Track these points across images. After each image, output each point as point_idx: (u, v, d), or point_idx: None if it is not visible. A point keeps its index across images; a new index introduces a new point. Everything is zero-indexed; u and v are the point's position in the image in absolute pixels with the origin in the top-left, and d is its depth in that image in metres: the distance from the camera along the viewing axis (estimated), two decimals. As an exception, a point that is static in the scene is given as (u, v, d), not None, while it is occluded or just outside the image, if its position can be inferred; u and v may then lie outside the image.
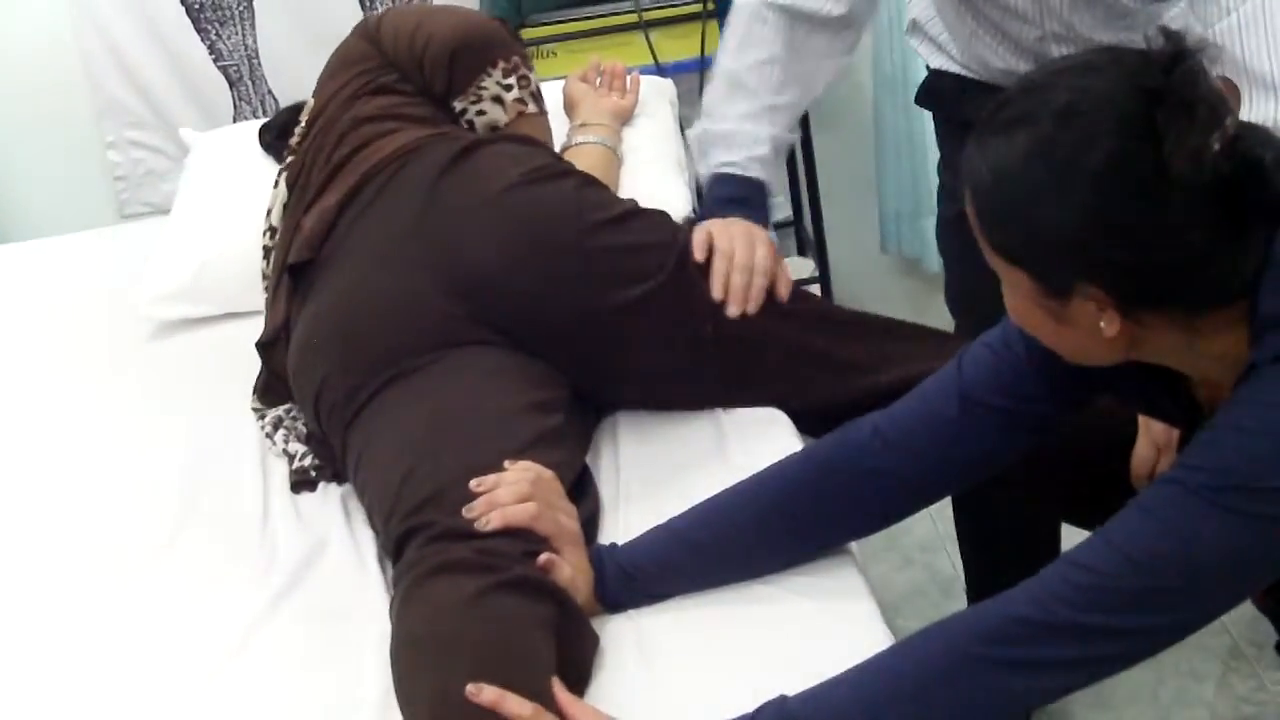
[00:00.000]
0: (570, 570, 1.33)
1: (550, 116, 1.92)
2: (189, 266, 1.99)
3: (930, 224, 2.61)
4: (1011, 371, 1.27)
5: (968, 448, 1.30)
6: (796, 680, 1.16)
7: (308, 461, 1.65)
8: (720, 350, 1.57)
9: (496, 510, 1.34)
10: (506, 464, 1.39)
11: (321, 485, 1.63)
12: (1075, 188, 1.04)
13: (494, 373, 1.53)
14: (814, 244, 2.81)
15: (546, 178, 1.63)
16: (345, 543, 1.52)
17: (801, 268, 2.70)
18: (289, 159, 1.84)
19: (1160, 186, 1.02)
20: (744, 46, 1.74)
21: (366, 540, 1.51)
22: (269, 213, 1.82)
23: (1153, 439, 1.40)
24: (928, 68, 1.89)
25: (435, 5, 2.00)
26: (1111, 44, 1.11)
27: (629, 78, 2.13)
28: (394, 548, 1.40)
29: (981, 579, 2.09)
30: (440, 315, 1.56)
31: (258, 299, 1.84)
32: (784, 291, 1.60)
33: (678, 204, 1.84)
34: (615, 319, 1.56)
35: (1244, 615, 1.25)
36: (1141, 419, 1.41)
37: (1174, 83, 1.03)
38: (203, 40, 2.66)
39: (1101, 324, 1.09)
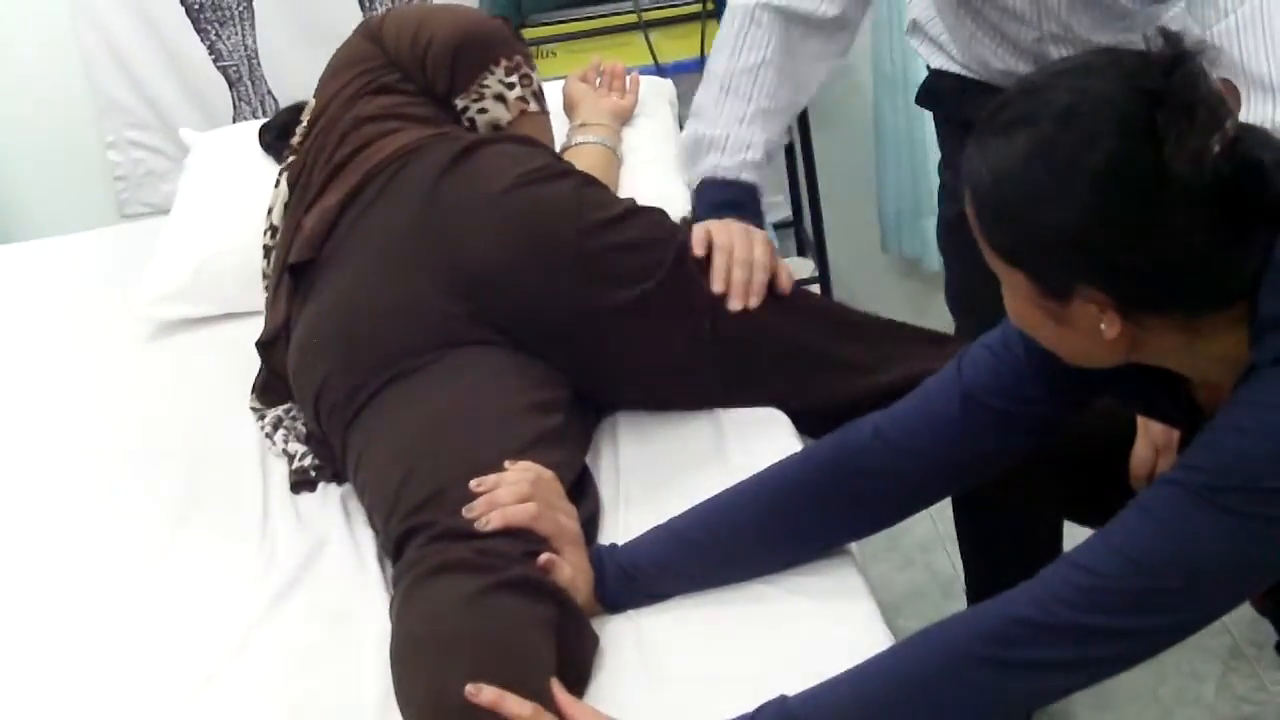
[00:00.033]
0: (570, 570, 1.34)
1: (550, 116, 1.92)
2: (188, 266, 1.99)
3: (930, 224, 2.61)
4: (1011, 373, 1.27)
5: (968, 448, 1.30)
6: (796, 680, 1.17)
7: (307, 461, 1.65)
8: (720, 349, 1.57)
9: (497, 510, 1.34)
10: (507, 464, 1.39)
11: (321, 485, 1.63)
12: (1075, 189, 1.04)
13: (494, 373, 1.53)
14: (814, 244, 2.81)
15: (546, 178, 1.63)
16: (345, 543, 1.52)
17: (801, 268, 2.70)
18: (290, 158, 1.84)
19: (1160, 188, 1.02)
20: (737, 49, 1.74)
21: (366, 540, 1.51)
22: (270, 212, 1.82)
23: (1151, 439, 1.40)
24: (928, 68, 1.89)
25: (437, 4, 2.00)
26: (1110, 45, 1.11)
27: (629, 78, 2.12)
28: (394, 547, 1.40)
29: (981, 579, 2.09)
30: (441, 315, 1.56)
31: (257, 299, 1.84)
32: (786, 285, 1.60)
33: (677, 204, 1.83)
34: (615, 318, 1.56)
35: (1244, 615, 1.25)
36: (1140, 420, 1.41)
37: (1174, 84, 1.03)
38: (202, 40, 2.66)
39: (1102, 326, 1.09)
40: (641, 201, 1.68)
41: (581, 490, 1.49)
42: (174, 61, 2.67)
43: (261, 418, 1.73)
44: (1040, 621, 1.08)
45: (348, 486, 1.60)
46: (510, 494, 1.35)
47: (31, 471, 1.76)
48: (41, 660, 1.43)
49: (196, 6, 2.64)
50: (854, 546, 1.41)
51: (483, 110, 1.82)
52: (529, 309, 1.56)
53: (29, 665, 1.43)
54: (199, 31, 2.66)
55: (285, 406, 1.72)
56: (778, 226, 2.85)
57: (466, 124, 1.83)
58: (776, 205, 2.85)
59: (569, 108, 2.05)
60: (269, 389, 1.74)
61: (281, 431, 1.69)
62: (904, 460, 1.31)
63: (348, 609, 1.42)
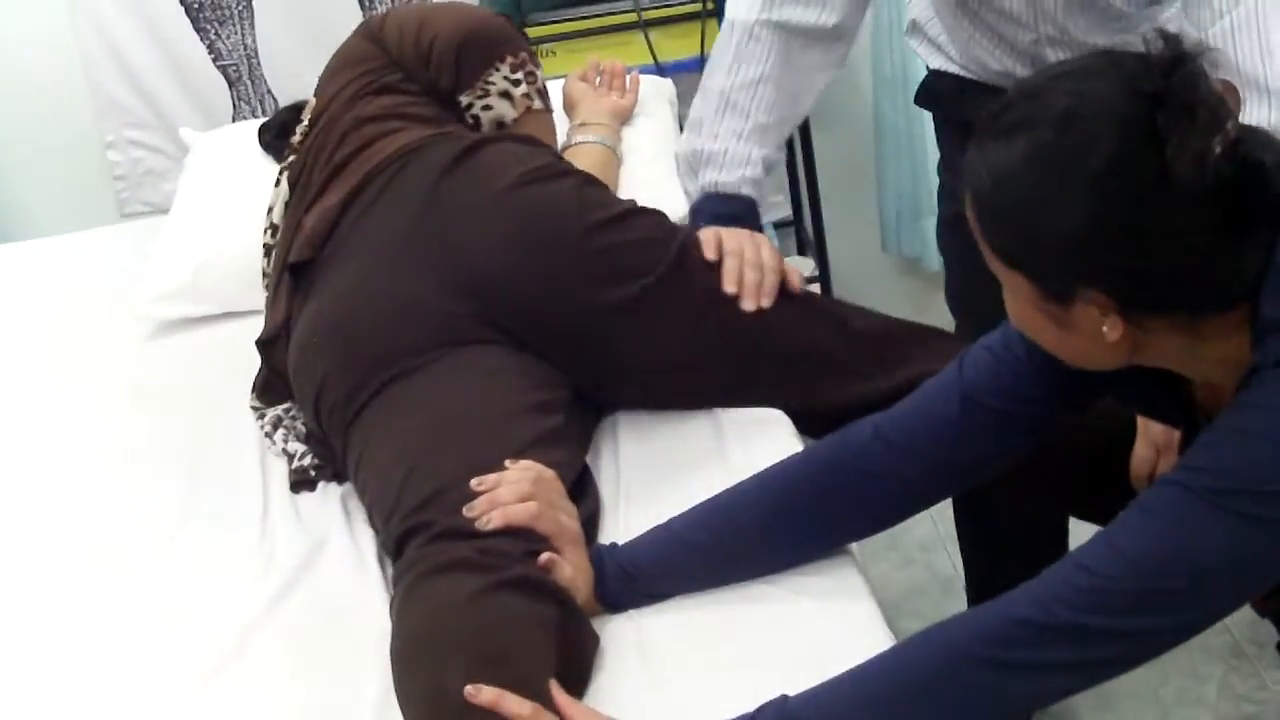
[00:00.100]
0: (571, 570, 1.34)
1: (553, 115, 1.92)
2: (188, 266, 1.99)
3: (930, 224, 2.61)
4: (1012, 374, 1.27)
5: (968, 449, 1.30)
6: (796, 680, 1.16)
7: (307, 461, 1.65)
8: (724, 349, 1.57)
9: (497, 509, 1.34)
10: (507, 463, 1.39)
11: (321, 485, 1.63)
12: (1076, 192, 1.04)
13: (495, 373, 1.53)
14: (814, 243, 2.81)
15: (547, 177, 1.63)
16: (345, 542, 1.52)
17: (801, 267, 2.69)
18: (290, 158, 1.84)
19: (1162, 190, 1.02)
20: (735, 65, 1.75)
21: (366, 540, 1.51)
22: (270, 211, 1.82)
23: (1152, 440, 1.40)
24: (927, 68, 1.89)
25: (438, 3, 2.00)
26: (1109, 47, 1.11)
27: (628, 77, 2.12)
28: (394, 547, 1.40)
29: (982, 579, 2.09)
30: (443, 314, 1.56)
31: (257, 298, 1.84)
32: (797, 285, 1.61)
33: (677, 203, 1.84)
34: (616, 314, 1.56)
35: (1245, 615, 1.25)
36: (1141, 420, 1.41)
37: (1174, 86, 1.03)
38: (202, 40, 2.66)
39: (1104, 328, 1.08)
40: (641, 200, 1.68)
41: (582, 490, 1.49)
42: (173, 61, 2.67)
43: (261, 417, 1.73)
44: (1041, 622, 1.08)
45: (348, 486, 1.60)
46: (511, 493, 1.35)
47: (32, 471, 1.76)
48: (41, 659, 1.43)
49: (196, 6, 2.63)
50: (854, 546, 1.41)
51: (487, 107, 1.82)
52: (531, 308, 1.56)
53: (29, 664, 1.43)
54: (198, 31, 2.65)
55: (285, 406, 1.72)
56: (778, 226, 2.85)
57: (470, 121, 1.83)
58: (776, 205, 2.85)
59: (569, 107, 2.05)
60: (269, 388, 1.74)
61: (281, 431, 1.69)
62: (904, 461, 1.31)
63: (348, 609, 1.42)
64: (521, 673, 1.20)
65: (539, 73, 1.87)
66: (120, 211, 2.77)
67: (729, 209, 1.72)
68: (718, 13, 2.48)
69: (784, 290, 1.60)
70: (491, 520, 1.33)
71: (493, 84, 1.82)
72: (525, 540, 1.33)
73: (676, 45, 2.53)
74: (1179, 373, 1.18)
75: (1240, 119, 1.05)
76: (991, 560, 2.02)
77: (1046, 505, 1.72)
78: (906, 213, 2.91)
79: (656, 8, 2.56)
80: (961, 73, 1.81)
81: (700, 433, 1.57)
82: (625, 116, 2.06)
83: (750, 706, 1.16)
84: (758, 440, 1.52)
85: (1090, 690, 1.14)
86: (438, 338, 1.55)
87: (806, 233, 2.87)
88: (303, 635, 1.40)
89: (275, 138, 2.03)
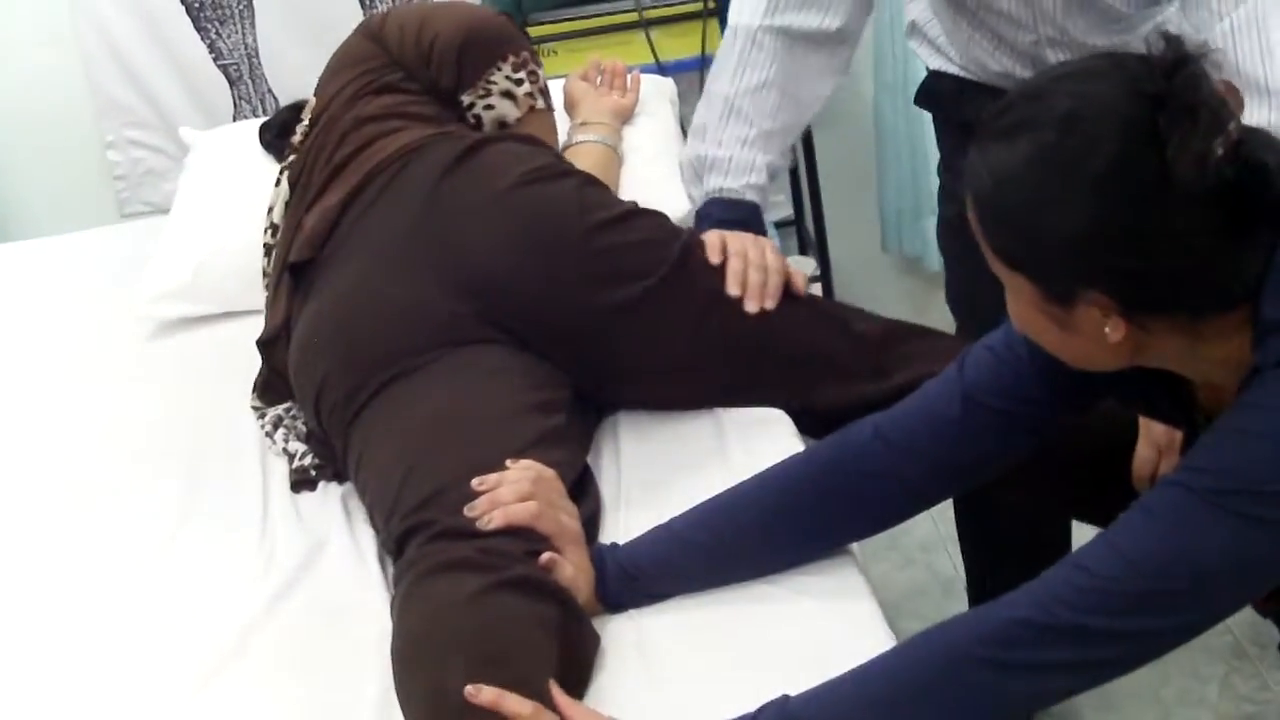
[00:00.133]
0: (572, 570, 1.33)
1: (555, 114, 1.92)
2: (188, 265, 1.99)
3: (931, 223, 2.61)
4: (1013, 374, 1.27)
5: (969, 449, 1.30)
6: (797, 680, 1.16)
7: (308, 461, 1.64)
8: (723, 350, 1.57)
9: (498, 509, 1.34)
10: (508, 463, 1.39)
11: (321, 484, 1.63)
12: (1078, 193, 1.04)
13: (496, 372, 1.53)
14: (815, 243, 2.81)
15: (549, 177, 1.62)
16: (345, 542, 1.51)
17: (802, 266, 2.69)
18: (291, 157, 1.83)
19: (1164, 191, 1.02)
20: (739, 71, 1.75)
21: (366, 539, 1.51)
22: (270, 211, 1.82)
23: (1153, 440, 1.40)
24: (927, 69, 1.89)
25: (439, 2, 2.00)
26: (1109, 49, 1.11)
27: (629, 76, 2.12)
28: (395, 546, 1.40)
29: (982, 580, 2.08)
30: (443, 314, 1.56)
31: (257, 298, 1.84)
32: (801, 287, 1.60)
33: (679, 203, 1.83)
34: (617, 315, 1.56)
35: (1247, 615, 1.24)
36: (1142, 420, 1.41)
37: (1176, 87, 1.03)
38: (202, 39, 2.66)
39: (1106, 330, 1.08)
40: (642, 199, 1.68)
41: (582, 489, 1.48)
42: (174, 60, 2.67)
43: (262, 416, 1.73)
44: (1041, 623, 1.08)
45: (348, 486, 1.60)
46: (512, 492, 1.35)
47: (31, 471, 1.76)
48: (41, 660, 1.43)
49: (196, 5, 2.63)
50: (855, 546, 1.41)
51: (489, 107, 1.82)
52: (532, 308, 1.56)
53: (29, 664, 1.43)
54: (199, 30, 2.65)
55: (285, 405, 1.72)
56: (779, 225, 2.85)
57: (472, 121, 1.83)
58: (777, 204, 2.85)
59: (570, 106, 2.04)
60: (269, 388, 1.74)
61: (281, 430, 1.69)
62: (904, 461, 1.31)
63: (348, 608, 1.42)
64: (522, 673, 1.20)
65: (540, 72, 1.87)
66: (120, 211, 2.78)
67: (733, 214, 1.72)
68: (719, 12, 2.48)
69: (786, 292, 1.60)
70: (492, 520, 1.33)
71: (494, 83, 1.82)
72: (526, 540, 1.32)
73: (678, 44, 2.54)
74: (1180, 373, 1.17)
75: (1240, 120, 1.05)
76: (992, 561, 2.02)
77: (1047, 506, 1.72)
78: (907, 212, 2.91)
79: (657, 7, 2.56)
80: (961, 73, 1.81)
81: (701, 433, 1.57)
82: (626, 116, 2.06)
83: (751, 706, 1.16)
84: (759, 440, 1.52)
85: (1091, 690, 1.14)
86: (438, 337, 1.54)
87: (807, 232, 2.87)
88: (303, 635, 1.40)
89: (276, 137, 2.03)
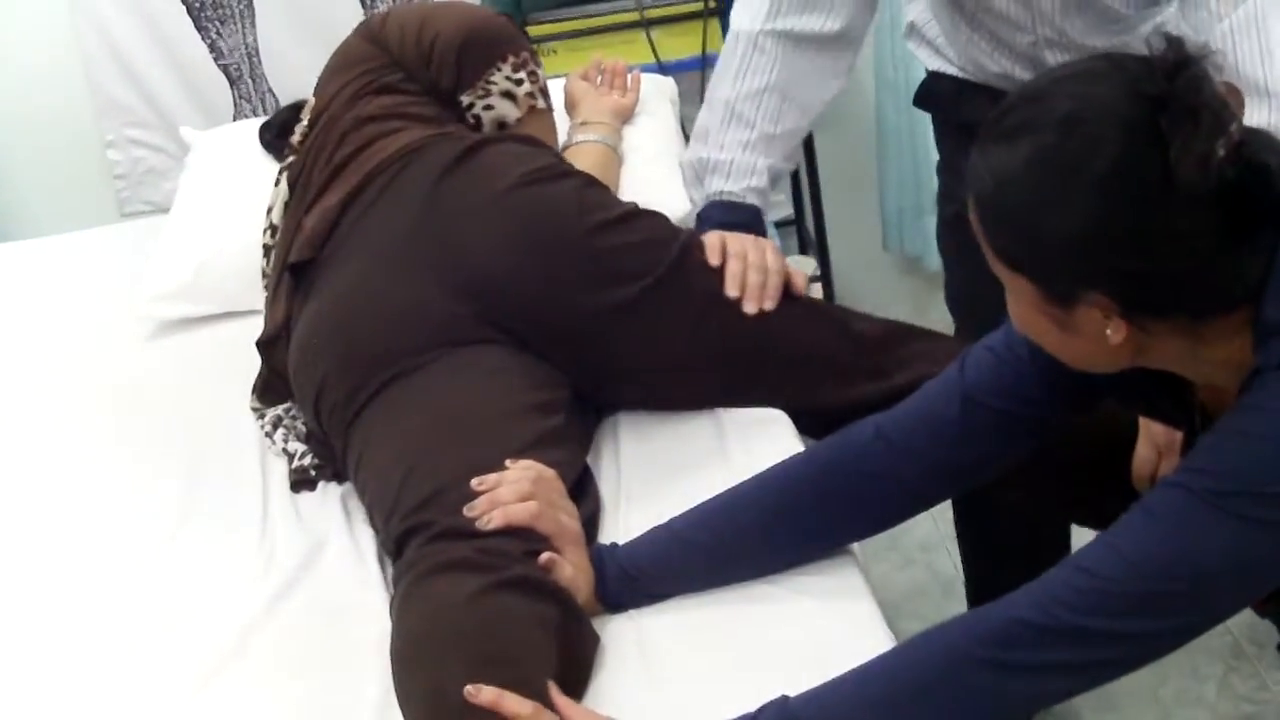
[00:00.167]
0: (571, 570, 1.33)
1: (554, 114, 1.92)
2: (189, 265, 1.99)
3: (932, 222, 2.60)
4: (1013, 374, 1.27)
5: (969, 450, 1.30)
6: (797, 680, 1.16)
7: (307, 461, 1.64)
8: (722, 350, 1.57)
9: (498, 509, 1.34)
10: (508, 463, 1.39)
11: (321, 485, 1.63)
12: (1080, 195, 1.04)
13: (495, 373, 1.53)
14: (815, 242, 2.81)
15: (549, 178, 1.62)
16: (345, 542, 1.52)
17: (803, 266, 2.69)
18: (290, 158, 1.83)
19: (1165, 193, 1.02)
20: (740, 75, 1.74)
21: (366, 540, 1.51)
22: (270, 211, 1.82)
23: (1153, 440, 1.40)
24: (926, 70, 1.89)
25: (439, 2, 2.00)
26: (1107, 50, 1.10)
27: (630, 76, 2.12)
28: (394, 547, 1.40)
29: (982, 581, 2.08)
30: (443, 315, 1.56)
31: (257, 298, 1.84)
32: (800, 287, 1.60)
33: (679, 203, 1.83)
34: (616, 315, 1.56)
35: (1246, 615, 1.24)
36: (1141, 420, 1.41)
37: (1178, 89, 1.02)
38: (203, 39, 2.66)
39: (1107, 331, 1.08)
40: (642, 199, 1.68)
41: (582, 489, 1.48)
42: (174, 60, 2.67)
43: (261, 417, 1.73)
44: (1041, 624, 1.08)
45: (348, 486, 1.60)
46: (511, 492, 1.35)
47: (31, 471, 1.76)
48: (41, 659, 1.43)
49: (197, 4, 2.63)
50: (855, 546, 1.41)
51: (489, 107, 1.82)
52: (531, 309, 1.56)
53: (29, 664, 1.43)
54: (199, 29, 2.65)
55: (285, 406, 1.72)
56: (779, 225, 2.85)
57: (471, 121, 1.83)
58: (778, 204, 2.85)
59: (570, 106, 2.04)
60: (269, 389, 1.74)
61: (281, 430, 1.69)
62: (905, 462, 1.31)
63: (348, 609, 1.42)
64: (521, 673, 1.20)
65: (540, 72, 1.87)
66: (120, 211, 2.77)
67: (734, 217, 1.72)
68: (720, 12, 2.48)
69: (786, 293, 1.60)
70: (492, 520, 1.33)
71: (494, 84, 1.81)
72: (525, 540, 1.32)
73: (678, 44, 2.53)
74: (1181, 374, 1.17)
75: (1242, 121, 1.05)
76: (991, 562, 2.02)
77: (1047, 506, 1.72)
78: (908, 211, 2.91)
79: (658, 6, 2.56)
80: (959, 74, 1.81)
81: (701, 433, 1.57)
82: (627, 115, 2.06)
83: (751, 706, 1.16)
84: (758, 440, 1.52)
85: (1090, 690, 1.14)
86: (438, 338, 1.54)
87: (808, 232, 2.87)
88: (303, 635, 1.40)
89: (276, 137, 2.03)
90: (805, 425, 1.57)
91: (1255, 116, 1.42)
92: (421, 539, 1.35)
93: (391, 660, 1.28)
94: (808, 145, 2.68)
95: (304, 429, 1.67)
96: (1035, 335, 1.16)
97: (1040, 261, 1.08)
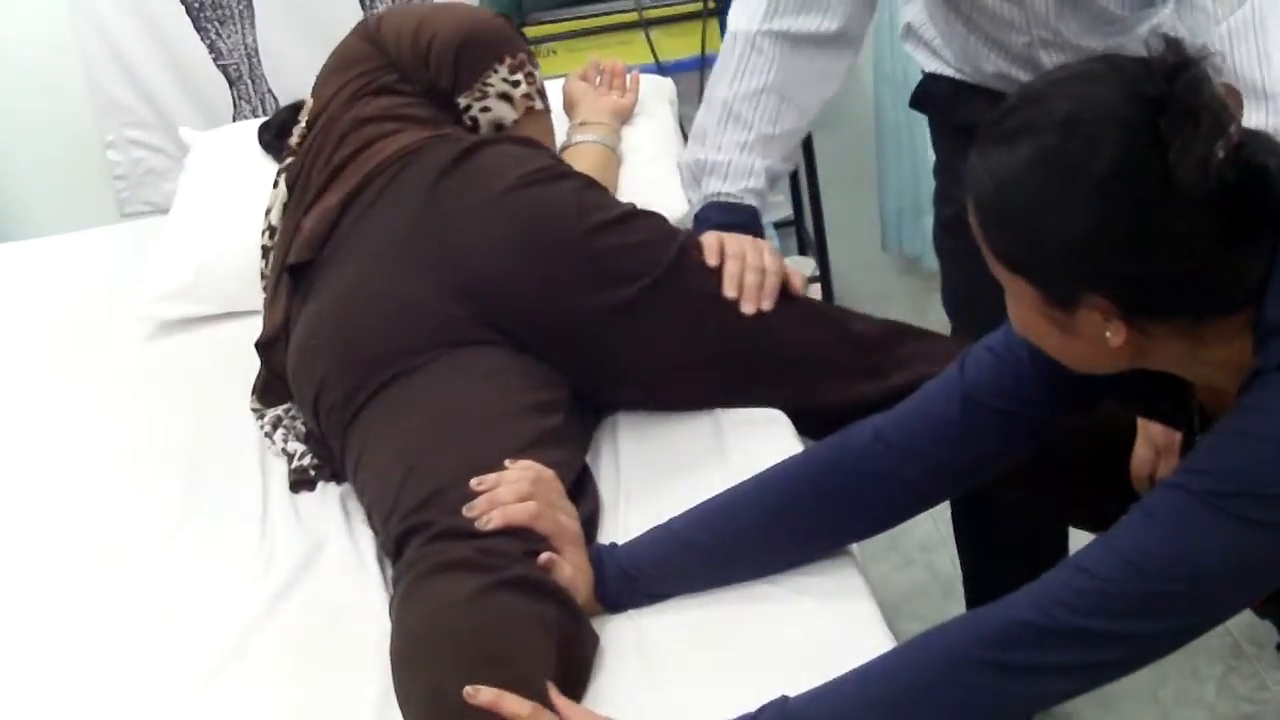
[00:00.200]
0: (570, 570, 1.33)
1: (552, 115, 1.92)
2: (189, 265, 1.99)
3: (930, 223, 2.61)
4: (1014, 374, 1.27)
5: (969, 450, 1.30)
6: (797, 680, 1.16)
7: (307, 461, 1.64)
8: (721, 350, 1.57)
9: (497, 509, 1.34)
10: (507, 463, 1.39)
11: (321, 485, 1.63)
12: (1079, 197, 1.04)
13: (494, 373, 1.53)
14: (814, 243, 2.81)
15: (547, 179, 1.62)
16: (344, 542, 1.52)
17: (802, 266, 2.69)
18: (289, 159, 1.83)
19: (1165, 195, 1.02)
20: (738, 76, 1.74)
21: (366, 540, 1.51)
22: (268, 212, 1.82)
23: (1152, 440, 1.40)
24: (922, 71, 1.89)
25: (437, 3, 2.00)
26: (1106, 51, 1.10)
27: (629, 76, 2.12)
28: (394, 547, 1.40)
29: (981, 582, 2.08)
30: (441, 316, 1.56)
31: (257, 298, 1.84)
32: (799, 287, 1.60)
33: (677, 203, 1.83)
34: (614, 316, 1.56)
35: (1245, 616, 1.25)
36: (1141, 420, 1.41)
37: (1177, 91, 1.02)
38: (202, 39, 2.66)
39: (1107, 333, 1.08)
40: (641, 200, 1.68)
41: (581, 490, 1.49)
42: (174, 60, 2.67)
43: (261, 417, 1.73)
44: (1041, 624, 1.08)
45: (347, 486, 1.60)
46: (510, 493, 1.35)
47: (31, 471, 1.76)
48: (41, 659, 1.43)
49: (196, 5, 2.63)
50: (855, 546, 1.41)
51: (486, 109, 1.82)
52: (530, 310, 1.56)
53: (29, 664, 1.43)
54: (199, 30, 2.66)
55: (285, 406, 1.72)
56: (778, 225, 2.85)
57: (469, 123, 1.83)
58: (777, 204, 2.85)
59: (569, 106, 2.04)
60: (269, 390, 1.74)
61: (281, 431, 1.69)
62: (904, 462, 1.31)
63: (347, 609, 1.42)
64: (521, 673, 1.20)
65: (537, 73, 1.87)
66: (120, 211, 2.78)
67: (731, 218, 1.72)
68: (719, 12, 2.48)
69: (784, 293, 1.60)
70: (491, 520, 1.33)
71: (491, 85, 1.81)
72: (525, 540, 1.32)
73: (677, 44, 2.54)
74: (1181, 376, 1.17)
75: (1241, 123, 1.05)
76: (990, 563, 2.02)
77: (1046, 507, 1.72)
78: (907, 212, 2.91)
79: (657, 7, 2.57)
80: (956, 76, 1.81)
81: (700, 433, 1.57)
82: (625, 116, 2.06)
83: (751, 707, 1.16)
84: (758, 440, 1.52)
85: (1090, 691, 1.14)
86: (436, 339, 1.54)
87: (807, 232, 2.87)
88: (303, 635, 1.40)
89: (275, 137, 2.03)
90: (804, 425, 1.57)
91: (1253, 119, 1.43)
92: (421, 539, 1.35)
93: (391, 660, 1.28)
94: (807, 145, 2.68)
95: (304, 429, 1.67)
96: (1035, 337, 1.16)
97: (1040, 264, 1.08)
